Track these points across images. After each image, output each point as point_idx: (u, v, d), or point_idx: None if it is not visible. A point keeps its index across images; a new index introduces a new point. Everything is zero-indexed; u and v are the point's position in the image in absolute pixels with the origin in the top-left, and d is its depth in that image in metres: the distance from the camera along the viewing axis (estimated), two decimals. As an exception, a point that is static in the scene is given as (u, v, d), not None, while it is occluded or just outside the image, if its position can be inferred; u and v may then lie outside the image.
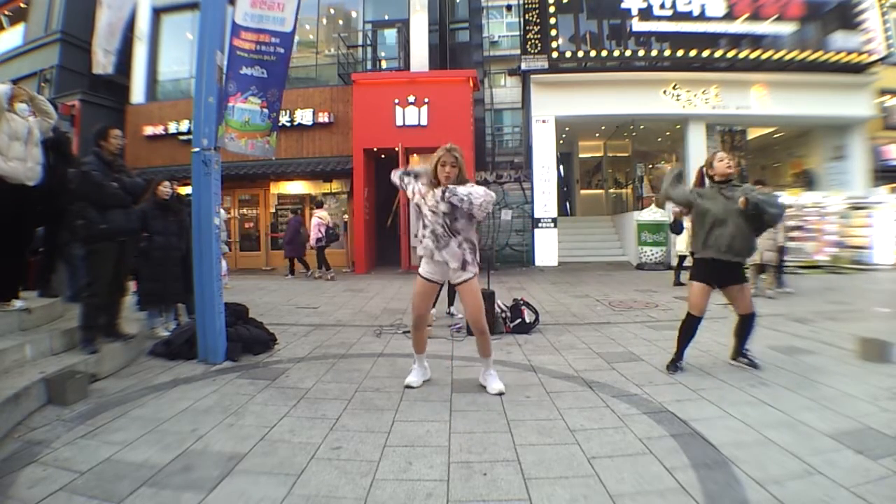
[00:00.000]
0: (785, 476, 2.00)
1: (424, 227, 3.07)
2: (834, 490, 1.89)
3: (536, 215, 12.00)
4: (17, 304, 3.62)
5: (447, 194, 2.91)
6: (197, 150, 3.87)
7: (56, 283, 4.42)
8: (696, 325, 3.49)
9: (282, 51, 4.20)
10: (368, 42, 13.34)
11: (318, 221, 10.70)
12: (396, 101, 11.33)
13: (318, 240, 10.60)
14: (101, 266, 3.64)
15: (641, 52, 11.63)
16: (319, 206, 11.14)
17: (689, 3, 11.45)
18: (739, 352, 3.60)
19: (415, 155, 11.85)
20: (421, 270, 3.14)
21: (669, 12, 11.44)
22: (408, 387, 3.19)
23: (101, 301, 3.65)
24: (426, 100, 11.28)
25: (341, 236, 12.83)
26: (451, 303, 5.74)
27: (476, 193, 2.90)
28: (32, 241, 4.12)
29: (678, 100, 11.92)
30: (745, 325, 3.51)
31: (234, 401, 2.99)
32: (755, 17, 11.47)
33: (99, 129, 3.77)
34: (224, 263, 6.97)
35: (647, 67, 12.11)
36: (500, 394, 3.05)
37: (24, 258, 3.98)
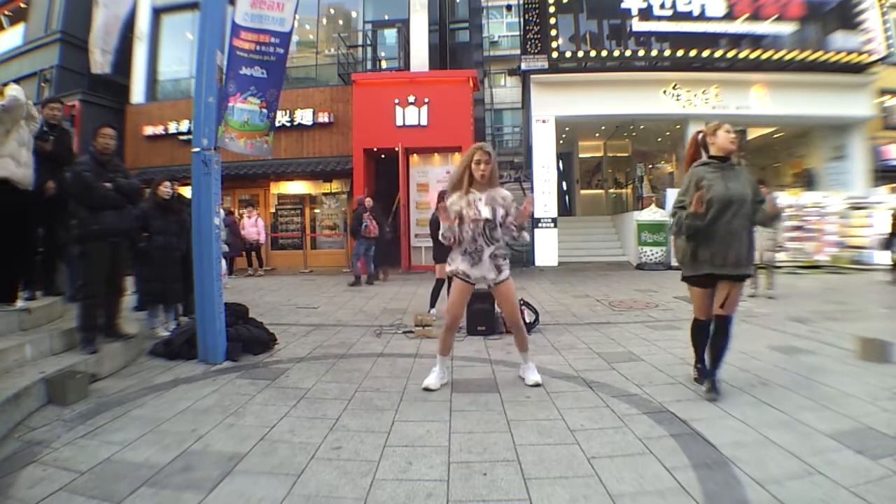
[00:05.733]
0: (785, 476, 2.00)
1: (464, 236, 3.11)
2: (834, 490, 1.89)
3: (536, 215, 11.99)
4: (19, 303, 3.64)
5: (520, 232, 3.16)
6: (197, 150, 3.86)
7: (60, 282, 4.44)
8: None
9: (281, 51, 4.20)
10: (368, 42, 13.34)
11: (263, 223, 11.30)
12: (396, 101, 11.33)
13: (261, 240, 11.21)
14: (93, 266, 3.62)
15: (641, 52, 11.61)
16: (254, 206, 11.44)
17: (689, 3, 11.43)
18: (712, 371, 3.01)
19: (414, 155, 11.86)
20: (458, 273, 3.15)
21: (669, 12, 11.43)
22: (426, 389, 3.14)
23: (97, 301, 3.64)
24: (426, 100, 11.28)
25: (343, 237, 12.95)
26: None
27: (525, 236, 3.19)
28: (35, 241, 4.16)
29: (678, 100, 11.91)
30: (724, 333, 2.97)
31: (234, 401, 2.99)
32: (755, 17, 11.45)
33: (93, 128, 3.78)
34: (224, 263, 6.96)
35: (647, 67, 12.10)
36: (537, 385, 3.18)
37: (29, 258, 4.02)
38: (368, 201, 9.21)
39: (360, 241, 8.97)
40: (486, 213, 3.06)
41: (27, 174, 3.60)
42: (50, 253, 4.36)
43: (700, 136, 3.11)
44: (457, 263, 3.16)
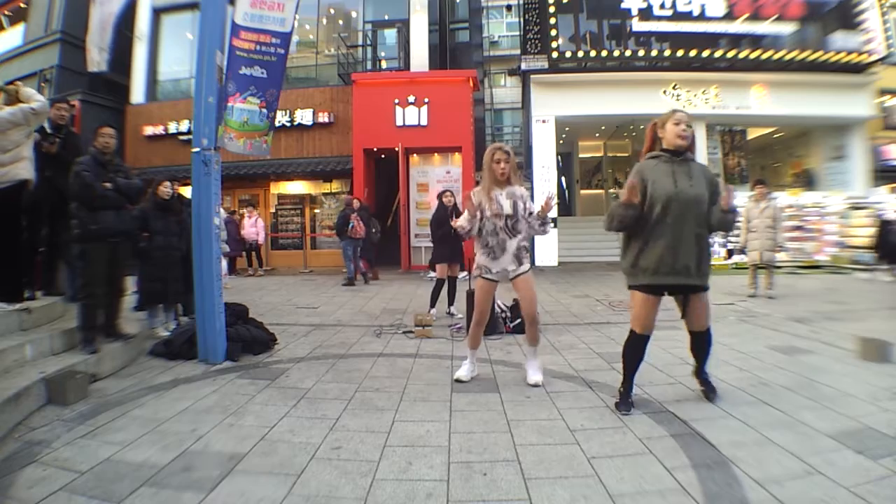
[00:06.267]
0: (785, 476, 2.00)
1: (485, 230, 3.22)
2: (834, 490, 1.89)
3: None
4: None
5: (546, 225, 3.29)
6: (197, 150, 3.87)
7: (60, 282, 4.45)
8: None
9: (281, 51, 4.20)
10: (368, 42, 13.34)
11: (262, 223, 11.32)
12: (396, 101, 11.33)
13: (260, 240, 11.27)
14: (93, 266, 3.64)
15: (641, 52, 11.60)
16: (254, 206, 11.47)
17: (689, 3, 11.43)
18: (701, 371, 2.98)
19: (414, 155, 11.85)
20: (480, 269, 3.28)
21: (669, 12, 11.42)
22: (457, 381, 3.31)
23: (97, 301, 3.65)
24: (426, 100, 11.27)
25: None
26: (450, 303, 5.74)
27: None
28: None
29: (678, 100, 11.90)
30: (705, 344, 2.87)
31: (234, 401, 2.99)
32: (755, 17, 11.45)
33: (93, 128, 3.84)
34: (224, 263, 6.96)
35: (647, 67, 12.09)
36: (537, 385, 3.21)
37: (32, 257, 4.06)
38: (356, 202, 9.33)
39: (346, 242, 9.04)
40: (507, 207, 3.16)
41: (34, 174, 3.72)
42: (51, 253, 4.37)
43: (654, 128, 2.81)
44: (477, 260, 3.29)
